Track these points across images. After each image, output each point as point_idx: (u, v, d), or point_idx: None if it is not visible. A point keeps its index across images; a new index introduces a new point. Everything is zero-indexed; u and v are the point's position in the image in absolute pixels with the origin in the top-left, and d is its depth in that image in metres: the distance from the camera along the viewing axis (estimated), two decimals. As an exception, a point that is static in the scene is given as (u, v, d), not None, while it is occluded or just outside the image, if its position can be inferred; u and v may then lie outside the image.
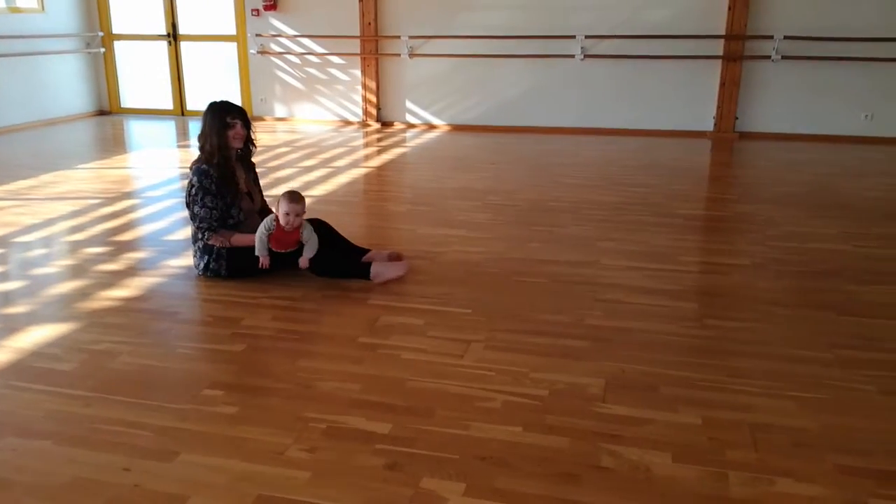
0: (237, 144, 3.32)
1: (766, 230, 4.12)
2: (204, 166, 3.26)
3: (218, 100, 3.36)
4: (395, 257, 3.49)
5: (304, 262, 3.26)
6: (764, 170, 5.95)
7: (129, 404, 2.26)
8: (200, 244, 3.31)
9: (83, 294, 3.16)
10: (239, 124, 3.29)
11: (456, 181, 5.44)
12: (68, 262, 3.63)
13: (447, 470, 1.92)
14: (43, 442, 2.07)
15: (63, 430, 2.13)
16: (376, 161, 6.31)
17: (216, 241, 3.27)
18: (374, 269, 3.28)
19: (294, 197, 3.22)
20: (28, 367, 2.51)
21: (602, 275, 3.39)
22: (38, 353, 2.61)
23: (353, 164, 6.08)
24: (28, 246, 3.89)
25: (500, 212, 4.55)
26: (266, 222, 3.22)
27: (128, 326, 2.86)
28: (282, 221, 3.17)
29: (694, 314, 2.97)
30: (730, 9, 6.95)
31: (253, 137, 3.45)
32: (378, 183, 5.59)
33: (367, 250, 3.49)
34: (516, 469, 1.93)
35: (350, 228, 3.69)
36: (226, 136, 3.26)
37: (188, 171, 3.35)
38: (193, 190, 3.24)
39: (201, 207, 3.23)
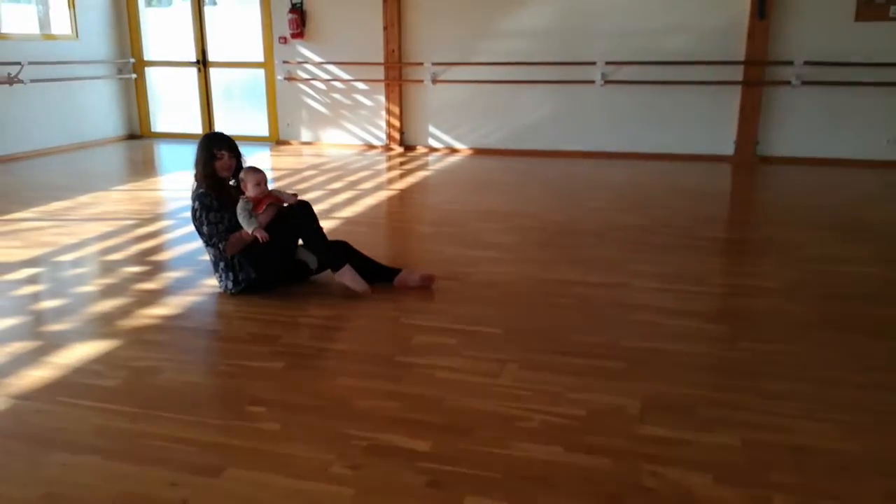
0: (225, 174, 3.42)
1: (795, 253, 4.12)
2: (201, 190, 3.38)
3: (212, 131, 3.48)
4: (428, 279, 3.52)
5: (291, 198, 3.44)
6: (787, 194, 5.95)
7: (175, 420, 2.30)
8: (222, 264, 3.39)
9: (124, 312, 3.23)
10: (226, 156, 3.40)
11: (480, 204, 5.49)
12: (108, 280, 3.71)
13: (490, 489, 1.94)
14: (91, 457, 2.12)
15: (110, 445, 2.18)
16: (401, 184, 6.39)
17: (233, 249, 3.36)
18: (344, 269, 3.36)
19: (254, 169, 3.42)
20: (73, 384, 2.57)
21: (633, 296, 3.41)
22: (83, 370, 2.67)
23: (379, 187, 6.16)
24: (68, 265, 3.98)
25: (527, 234, 4.59)
26: (241, 204, 3.31)
27: (169, 344, 2.92)
28: (254, 193, 3.33)
29: (727, 336, 2.98)
30: (749, 35, 7.00)
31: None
32: (403, 205, 5.66)
33: (398, 270, 3.54)
34: (559, 489, 1.94)
35: (378, 249, 3.75)
36: (213, 166, 3.39)
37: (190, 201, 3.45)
38: (197, 213, 3.35)
39: (208, 225, 3.34)
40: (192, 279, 3.70)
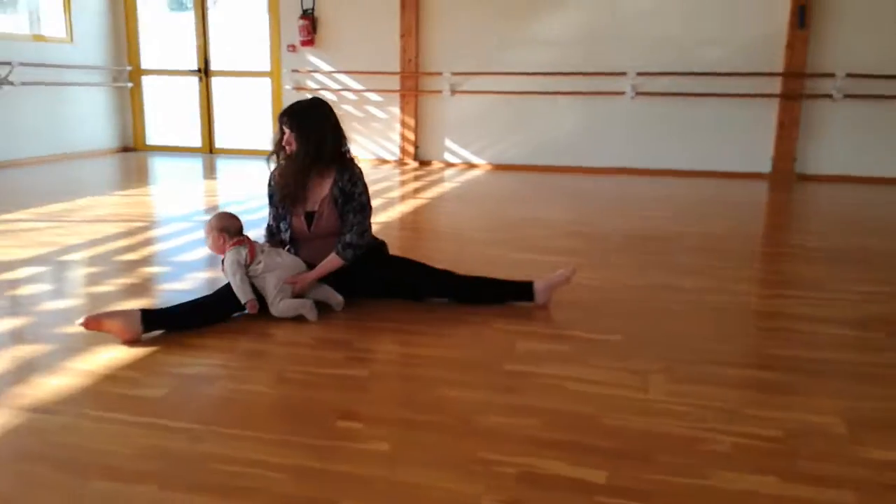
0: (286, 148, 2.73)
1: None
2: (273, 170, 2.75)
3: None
4: (568, 275, 2.80)
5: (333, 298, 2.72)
6: (843, 208, 5.56)
7: (250, 439, 1.74)
8: None
9: (154, 312, 2.65)
10: (286, 133, 2.70)
11: (522, 212, 5.00)
12: (127, 280, 3.12)
13: (708, 530, 1.42)
14: (146, 487, 1.55)
15: (169, 471, 1.61)
16: (421, 197, 5.85)
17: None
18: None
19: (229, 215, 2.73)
20: (105, 394, 2.00)
21: (748, 301, 2.94)
22: (115, 378, 2.10)
23: (392, 203, 5.61)
24: (76, 265, 3.39)
25: (592, 241, 4.10)
26: (233, 254, 2.59)
27: (216, 347, 2.35)
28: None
29: (887, 345, 2.49)
30: (788, 46, 6.70)
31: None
32: (438, 213, 5.14)
33: (528, 283, 2.79)
34: (807, 530, 1.42)
35: (432, 254, 3.22)
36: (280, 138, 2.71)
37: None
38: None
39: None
40: (224, 280, 3.13)
